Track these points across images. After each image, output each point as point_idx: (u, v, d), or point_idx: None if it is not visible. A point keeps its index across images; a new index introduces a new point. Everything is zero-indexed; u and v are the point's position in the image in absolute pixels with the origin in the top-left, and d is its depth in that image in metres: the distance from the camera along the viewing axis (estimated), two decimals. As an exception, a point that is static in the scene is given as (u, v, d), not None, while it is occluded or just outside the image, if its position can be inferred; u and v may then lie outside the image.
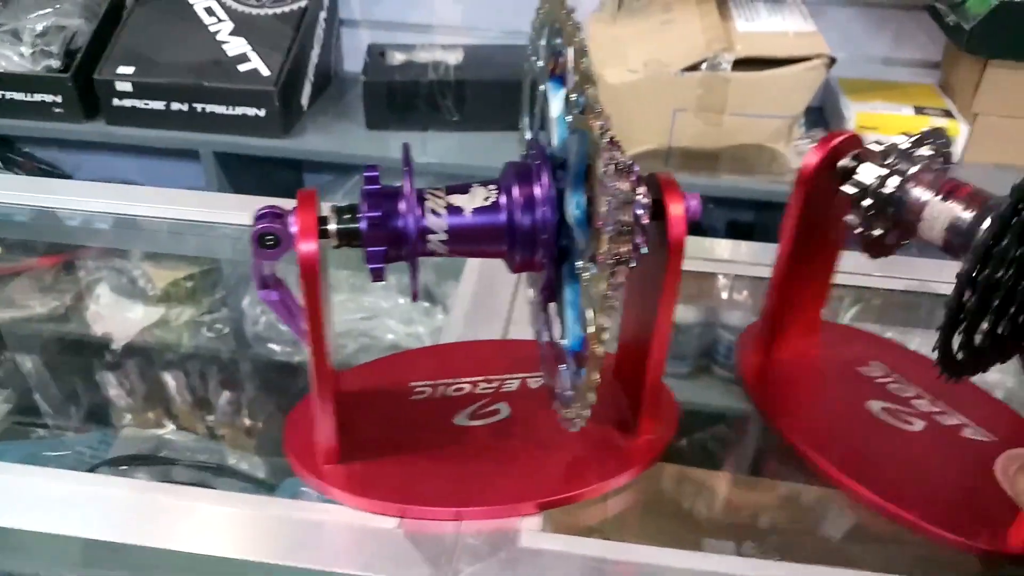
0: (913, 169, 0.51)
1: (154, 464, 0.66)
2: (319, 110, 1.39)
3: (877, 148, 0.53)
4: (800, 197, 0.56)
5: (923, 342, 0.68)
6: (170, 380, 0.76)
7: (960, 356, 0.48)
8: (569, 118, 0.42)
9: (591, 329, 0.42)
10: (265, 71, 1.28)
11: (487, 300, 0.68)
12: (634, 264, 0.48)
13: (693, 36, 1.19)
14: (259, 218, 0.44)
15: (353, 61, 1.47)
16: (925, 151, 0.52)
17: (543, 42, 0.48)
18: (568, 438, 0.55)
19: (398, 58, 1.34)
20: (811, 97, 1.17)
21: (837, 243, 0.60)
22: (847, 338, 0.69)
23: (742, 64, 1.17)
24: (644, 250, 0.48)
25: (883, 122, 1.25)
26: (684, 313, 0.83)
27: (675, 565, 0.49)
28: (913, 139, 0.52)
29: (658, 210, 0.48)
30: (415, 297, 0.47)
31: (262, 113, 1.27)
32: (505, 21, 1.41)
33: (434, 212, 0.45)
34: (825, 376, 0.64)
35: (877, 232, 0.54)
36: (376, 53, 1.36)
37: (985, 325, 0.46)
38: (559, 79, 0.47)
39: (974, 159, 1.24)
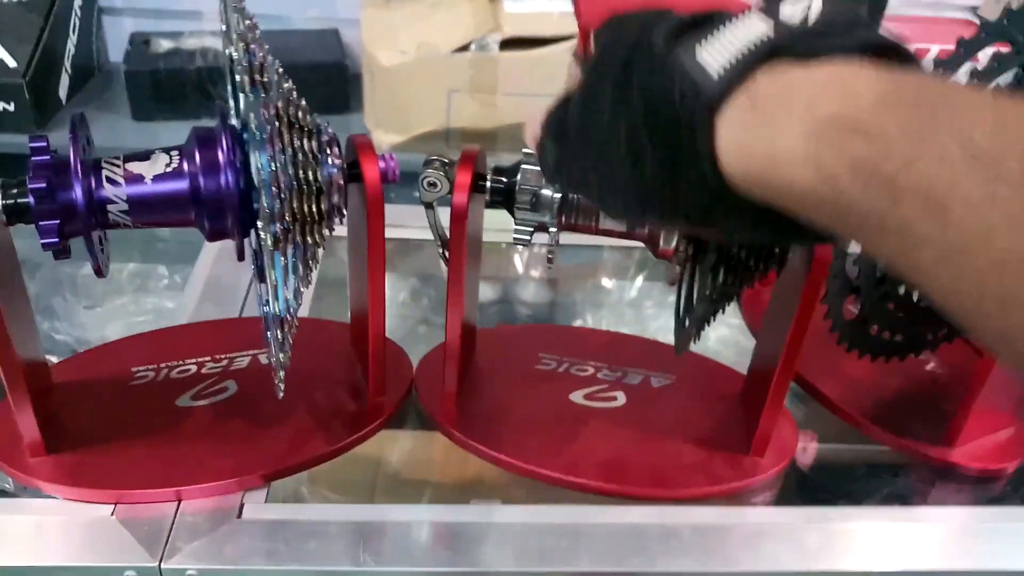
0: None
1: None
2: (81, 103, 1.30)
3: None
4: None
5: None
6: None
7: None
8: (243, 78, 0.42)
9: (284, 293, 0.42)
10: (12, 63, 1.19)
11: (224, 279, 0.66)
12: (333, 227, 0.49)
13: (462, 18, 1.21)
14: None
15: (119, 52, 1.39)
16: None
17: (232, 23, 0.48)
18: (298, 409, 0.55)
19: (164, 46, 1.29)
20: (576, 74, 1.21)
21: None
22: (497, 339, 0.64)
23: (511, 44, 1.20)
24: (344, 212, 0.49)
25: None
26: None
27: (395, 518, 0.50)
28: None
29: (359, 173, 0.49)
30: (99, 272, 0.45)
31: (11, 107, 1.18)
32: (275, 5, 1.38)
33: (111, 181, 0.43)
34: (517, 390, 0.59)
35: None
36: (139, 42, 1.30)
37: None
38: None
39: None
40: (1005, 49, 0.50)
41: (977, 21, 1.54)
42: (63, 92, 1.26)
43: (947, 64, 0.49)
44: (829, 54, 0.24)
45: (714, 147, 0.25)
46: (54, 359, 0.80)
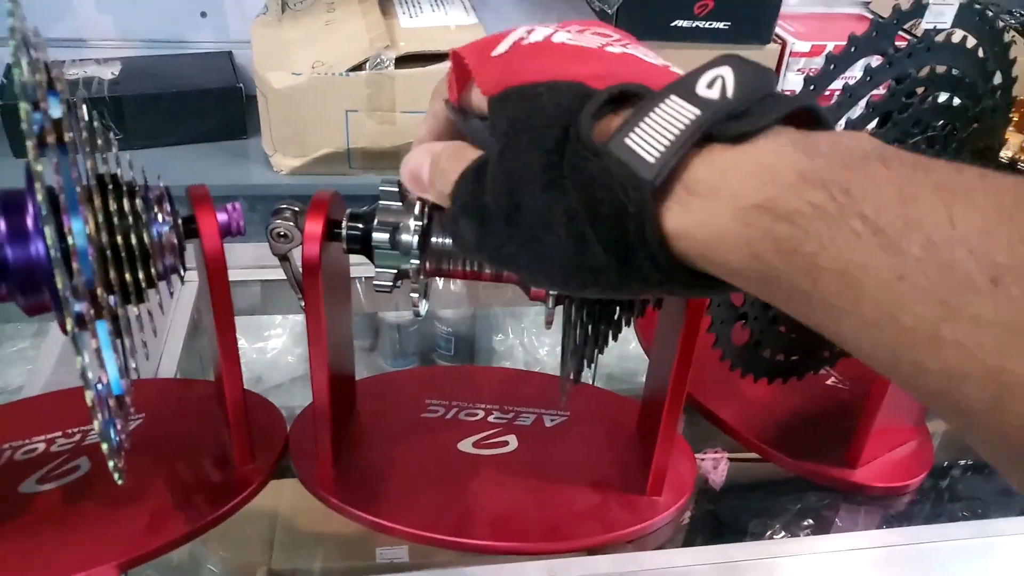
0: None
1: None
2: (-46, 141, 1.22)
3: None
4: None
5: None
6: None
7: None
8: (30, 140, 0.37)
9: (97, 376, 0.38)
10: None
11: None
12: (172, 290, 0.45)
13: (357, 35, 1.17)
14: None
15: (-4, 83, 1.31)
16: None
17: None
18: (156, 485, 0.50)
19: (42, 77, 1.21)
20: (477, 88, 1.18)
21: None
22: (381, 387, 0.61)
23: (408, 61, 1.17)
24: (182, 273, 0.44)
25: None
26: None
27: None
28: None
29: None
30: None
31: None
32: (163, 29, 1.32)
33: (-97, 260, 0.39)
34: (401, 444, 0.55)
35: None
36: (15, 73, 1.22)
37: None
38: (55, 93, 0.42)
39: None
40: (877, 61, 0.48)
41: (869, 16, 1.53)
42: (-68, 131, 1.18)
43: (818, 81, 0.47)
44: (754, 135, 0.26)
45: (661, 232, 0.26)
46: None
